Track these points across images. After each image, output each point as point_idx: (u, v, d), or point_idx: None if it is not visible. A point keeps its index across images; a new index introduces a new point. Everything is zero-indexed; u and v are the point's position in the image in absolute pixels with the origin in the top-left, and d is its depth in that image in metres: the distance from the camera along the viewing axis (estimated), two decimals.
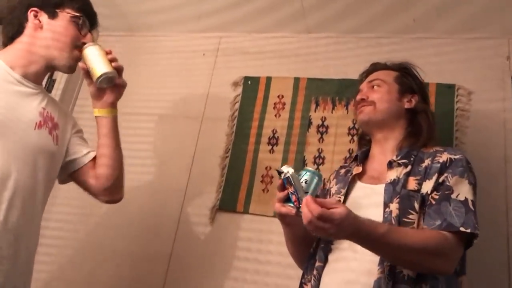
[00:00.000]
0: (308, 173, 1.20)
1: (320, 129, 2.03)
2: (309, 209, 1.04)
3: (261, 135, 2.09)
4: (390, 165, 1.35)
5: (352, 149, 1.92)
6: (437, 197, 1.24)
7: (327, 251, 1.32)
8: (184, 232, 2.04)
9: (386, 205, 1.26)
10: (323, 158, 1.97)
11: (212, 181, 2.07)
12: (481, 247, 1.53)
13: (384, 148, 1.44)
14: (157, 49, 2.46)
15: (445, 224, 1.19)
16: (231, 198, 2.02)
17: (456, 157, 1.30)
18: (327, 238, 1.27)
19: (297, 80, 2.14)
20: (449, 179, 1.25)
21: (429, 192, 1.25)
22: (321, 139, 2.01)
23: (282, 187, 1.21)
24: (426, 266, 1.17)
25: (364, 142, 1.58)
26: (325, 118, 2.04)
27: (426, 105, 1.51)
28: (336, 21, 2.11)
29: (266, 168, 2.03)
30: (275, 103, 2.14)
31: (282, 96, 2.14)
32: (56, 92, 2.32)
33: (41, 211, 1.38)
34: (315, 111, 2.06)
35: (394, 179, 1.30)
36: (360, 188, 1.39)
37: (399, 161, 1.34)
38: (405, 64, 1.57)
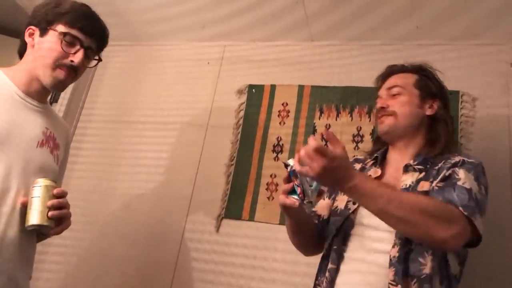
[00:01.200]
0: None
1: (325, 137, 2.03)
2: (308, 142, 1.10)
3: (266, 142, 2.10)
4: (406, 168, 1.34)
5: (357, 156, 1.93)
6: (441, 184, 1.23)
7: (340, 253, 1.31)
8: (190, 240, 2.04)
9: None
10: None
11: (217, 189, 2.08)
12: (488, 251, 1.53)
13: (403, 155, 1.41)
14: (162, 58, 2.48)
15: (445, 201, 1.17)
16: (237, 206, 2.02)
17: (470, 160, 1.29)
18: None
19: (301, 87, 2.15)
20: (456, 171, 1.24)
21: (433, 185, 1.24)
22: (325, 146, 2.01)
23: (288, 179, 1.22)
24: (423, 229, 1.12)
25: (380, 141, 1.54)
26: (329, 125, 2.05)
27: (446, 111, 1.46)
28: (340, 29, 2.12)
29: (271, 175, 2.03)
30: (279, 111, 2.15)
31: (287, 104, 2.15)
32: (62, 102, 2.34)
33: None
34: (319, 118, 2.07)
35: (410, 185, 1.29)
36: None
37: (415, 166, 1.33)
38: (423, 66, 1.51)
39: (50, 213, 1.21)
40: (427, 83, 1.46)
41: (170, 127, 2.30)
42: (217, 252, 1.98)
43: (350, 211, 1.34)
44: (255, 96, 2.21)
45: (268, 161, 2.06)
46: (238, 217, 2.01)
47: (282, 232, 1.90)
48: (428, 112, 1.43)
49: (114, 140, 2.35)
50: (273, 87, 2.20)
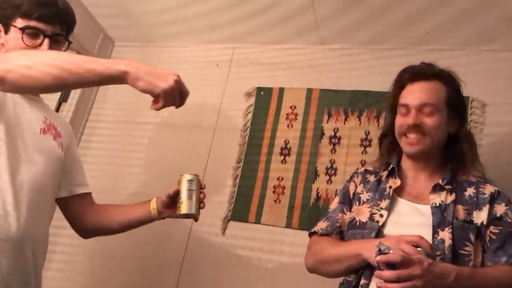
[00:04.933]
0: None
1: (333, 140, 2.03)
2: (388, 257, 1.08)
3: (274, 145, 2.10)
4: (434, 188, 1.32)
5: (365, 160, 1.92)
6: (497, 231, 1.25)
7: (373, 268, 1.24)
8: (196, 241, 2.04)
9: (435, 230, 1.24)
10: (335, 169, 1.96)
11: (224, 191, 2.08)
12: None
13: (420, 168, 1.39)
14: (172, 60, 2.49)
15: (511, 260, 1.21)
16: (243, 208, 2.02)
17: (499, 189, 1.31)
18: None
19: (309, 91, 2.15)
20: (509, 215, 1.26)
21: (484, 223, 1.25)
22: (333, 150, 2.01)
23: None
24: None
25: (390, 153, 1.49)
26: (337, 129, 2.04)
27: (465, 127, 1.43)
28: (349, 33, 2.12)
29: (278, 178, 2.03)
30: (287, 114, 2.14)
31: (295, 107, 2.14)
32: (72, 101, 2.35)
33: (50, 214, 1.38)
34: (327, 122, 2.07)
35: (440, 204, 1.28)
36: (401, 204, 1.34)
37: (444, 186, 1.31)
38: (453, 76, 1.44)
39: (202, 205, 1.38)
40: (457, 101, 1.41)
41: (178, 128, 2.30)
42: (223, 254, 1.98)
43: (380, 224, 1.30)
44: (264, 99, 2.21)
45: (275, 164, 2.06)
46: (244, 219, 2.00)
47: (288, 235, 1.91)
48: (452, 130, 1.39)
49: (122, 141, 2.36)
50: (281, 90, 2.20)
